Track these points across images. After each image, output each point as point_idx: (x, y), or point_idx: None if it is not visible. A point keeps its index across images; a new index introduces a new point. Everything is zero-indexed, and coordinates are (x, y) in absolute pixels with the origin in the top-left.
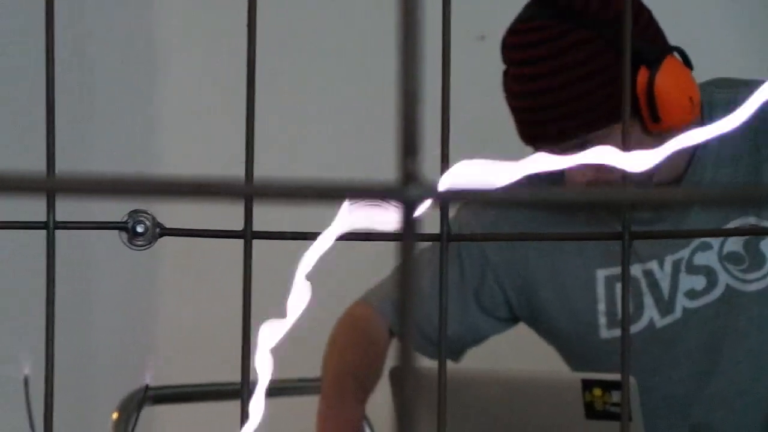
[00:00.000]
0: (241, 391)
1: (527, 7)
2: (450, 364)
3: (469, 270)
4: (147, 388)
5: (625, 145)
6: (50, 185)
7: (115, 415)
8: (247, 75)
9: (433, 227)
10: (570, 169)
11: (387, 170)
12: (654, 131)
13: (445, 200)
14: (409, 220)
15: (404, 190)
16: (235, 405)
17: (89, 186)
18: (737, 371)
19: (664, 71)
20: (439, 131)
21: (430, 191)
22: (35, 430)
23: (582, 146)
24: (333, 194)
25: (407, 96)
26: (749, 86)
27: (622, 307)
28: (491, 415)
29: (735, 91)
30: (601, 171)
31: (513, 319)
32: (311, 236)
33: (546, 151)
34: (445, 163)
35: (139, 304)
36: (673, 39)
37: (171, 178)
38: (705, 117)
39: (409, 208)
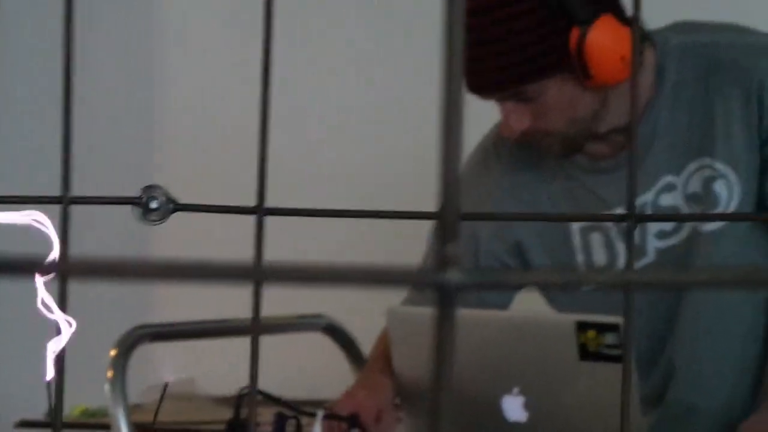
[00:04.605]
0: (252, 328)
1: None
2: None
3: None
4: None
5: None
6: (63, 268)
7: (113, 352)
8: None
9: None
10: (507, 117)
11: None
12: (589, 86)
13: (490, 285)
14: (446, 307)
15: (442, 275)
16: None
17: (101, 269)
18: (698, 313)
19: (596, 30)
20: None
21: (470, 277)
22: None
23: (518, 97)
24: (371, 279)
25: (447, 180)
26: (706, 30)
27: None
28: (486, 355)
29: (690, 35)
30: (538, 119)
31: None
32: (326, 213)
33: (486, 99)
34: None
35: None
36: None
37: (181, 261)
38: (659, 62)
39: (447, 294)
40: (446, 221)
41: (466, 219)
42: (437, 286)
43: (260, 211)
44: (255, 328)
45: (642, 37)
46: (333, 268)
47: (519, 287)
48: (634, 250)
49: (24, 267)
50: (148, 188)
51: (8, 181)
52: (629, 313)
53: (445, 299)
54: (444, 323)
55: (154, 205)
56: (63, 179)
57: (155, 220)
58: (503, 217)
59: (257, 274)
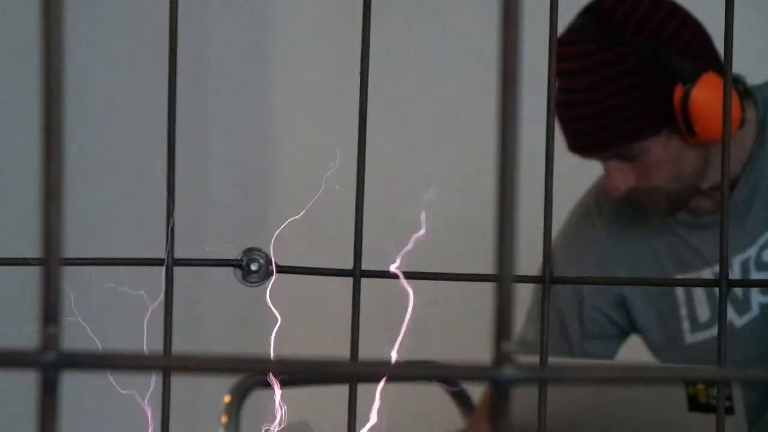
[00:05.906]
0: (351, 375)
1: (575, 18)
2: (550, 358)
3: (567, 312)
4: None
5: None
6: (167, 363)
7: (227, 398)
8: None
9: (533, 268)
10: (612, 176)
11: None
12: (693, 143)
13: (542, 381)
14: (502, 402)
15: (498, 371)
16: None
17: (205, 365)
18: None
19: (700, 88)
20: None
21: (526, 372)
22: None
23: (622, 155)
24: (425, 374)
25: (503, 281)
26: None
27: (719, 330)
28: (595, 405)
29: None
30: (643, 177)
31: (625, 333)
32: (418, 276)
33: (588, 159)
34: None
35: (249, 338)
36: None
37: (283, 357)
38: (760, 118)
39: (502, 390)
40: (501, 317)
41: (556, 282)
42: (493, 381)
43: (356, 274)
44: (353, 373)
45: (744, 93)
46: (401, 364)
47: (583, 382)
48: (737, 306)
49: (127, 364)
50: (249, 251)
51: (117, 244)
52: (720, 404)
53: (501, 393)
54: (500, 416)
55: (254, 267)
56: (167, 242)
57: (255, 282)
58: (599, 282)
59: (352, 368)
